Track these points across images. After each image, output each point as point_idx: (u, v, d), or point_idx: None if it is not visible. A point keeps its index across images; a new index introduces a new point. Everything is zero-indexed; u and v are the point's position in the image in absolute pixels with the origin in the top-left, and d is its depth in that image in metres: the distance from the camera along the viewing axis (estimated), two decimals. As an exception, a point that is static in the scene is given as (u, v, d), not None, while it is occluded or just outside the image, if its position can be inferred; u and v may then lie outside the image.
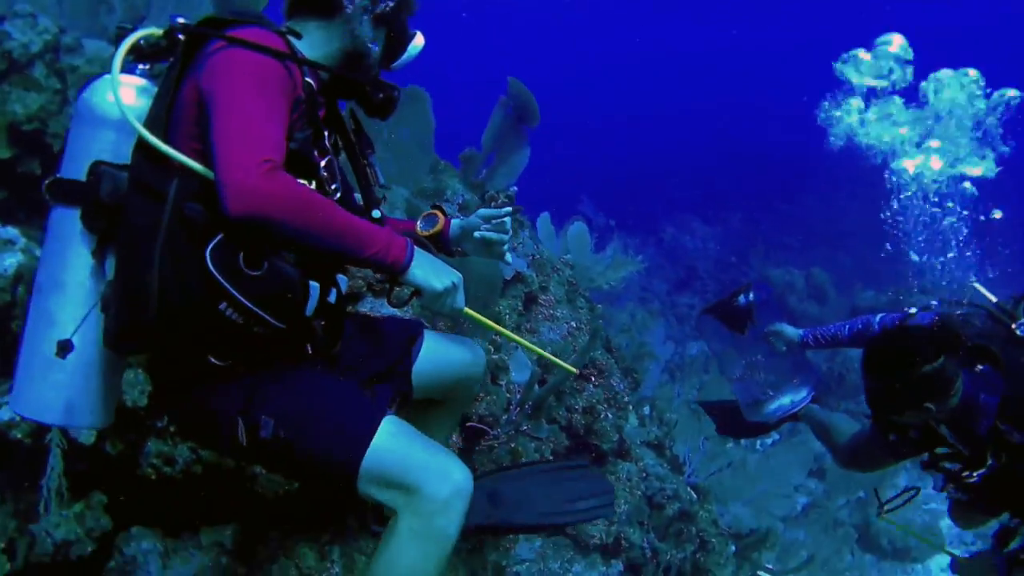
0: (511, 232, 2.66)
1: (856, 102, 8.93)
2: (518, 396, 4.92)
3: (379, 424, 2.21)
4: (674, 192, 25.26)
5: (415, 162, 5.20)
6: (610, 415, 6.14)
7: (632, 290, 17.43)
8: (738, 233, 21.38)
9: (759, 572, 5.19)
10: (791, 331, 4.18)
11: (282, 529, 4.28)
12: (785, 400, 3.96)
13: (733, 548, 6.71)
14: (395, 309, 2.72)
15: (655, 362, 7.32)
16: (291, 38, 2.24)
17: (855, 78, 8.86)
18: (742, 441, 9.00)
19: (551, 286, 6.09)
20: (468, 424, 4.71)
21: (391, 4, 2.41)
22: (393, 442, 2.21)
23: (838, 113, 9.08)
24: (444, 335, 3.00)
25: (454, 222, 2.75)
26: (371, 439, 2.17)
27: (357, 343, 2.72)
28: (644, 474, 6.55)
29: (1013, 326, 3.05)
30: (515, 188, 6.17)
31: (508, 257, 2.72)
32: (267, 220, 1.85)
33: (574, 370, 3.00)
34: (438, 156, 5.85)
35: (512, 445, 4.76)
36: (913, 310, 3.38)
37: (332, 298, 2.32)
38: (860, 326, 3.77)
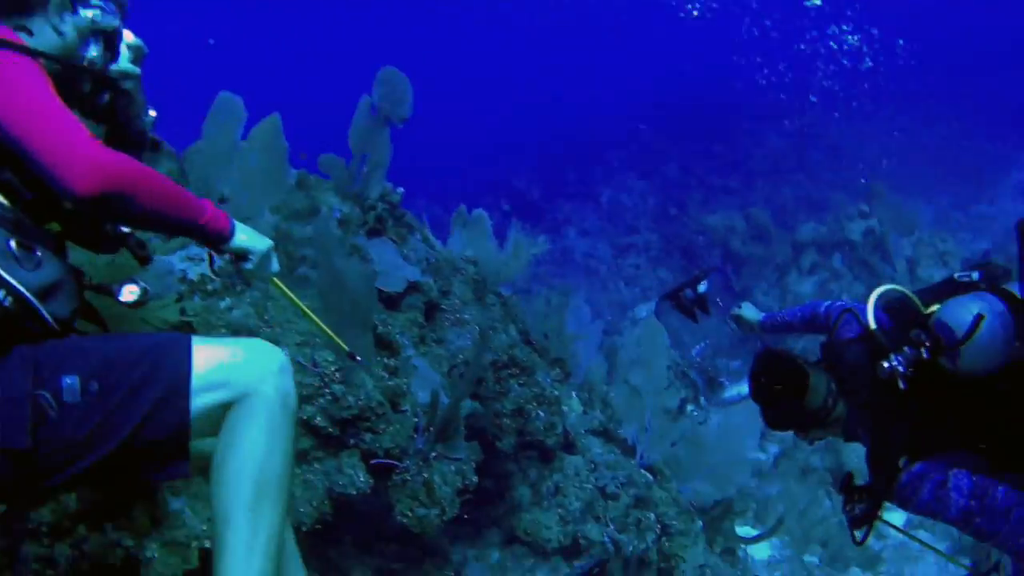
0: None
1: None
2: (425, 419, 4.49)
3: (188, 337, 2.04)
4: (605, 153, 24.91)
5: (270, 187, 4.72)
6: (542, 413, 5.74)
7: (574, 260, 17.07)
8: (676, 183, 21.02)
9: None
10: (752, 314, 3.83)
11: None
12: (744, 388, 3.63)
13: (700, 524, 6.35)
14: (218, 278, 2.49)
15: (584, 343, 6.90)
16: (22, 34, 2.06)
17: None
18: (701, 402, 8.68)
19: (454, 288, 5.65)
20: (373, 462, 4.28)
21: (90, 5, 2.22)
22: (208, 342, 2.06)
23: None
24: None
25: None
26: (190, 346, 2.01)
27: None
28: (593, 465, 6.18)
29: (884, 363, 2.61)
30: (401, 190, 5.71)
31: None
32: (119, 192, 1.81)
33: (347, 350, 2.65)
34: (307, 171, 5.37)
35: (425, 475, 4.33)
36: (846, 299, 3.06)
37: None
38: (808, 313, 3.50)
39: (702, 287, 3.90)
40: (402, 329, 5.02)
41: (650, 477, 6.27)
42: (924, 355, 2.52)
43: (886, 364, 2.54)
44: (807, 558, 7.69)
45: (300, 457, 4.21)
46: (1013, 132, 21.31)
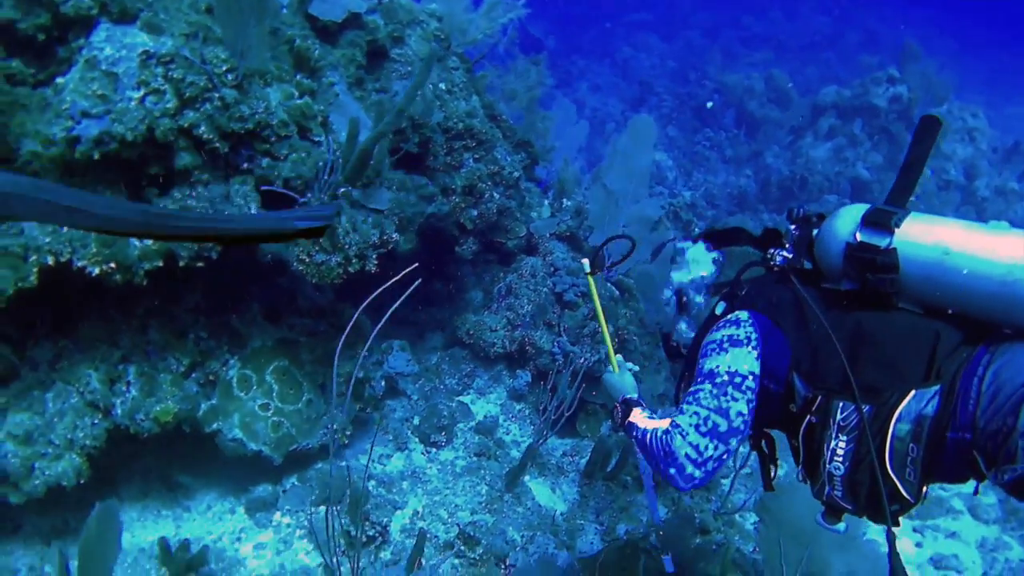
0: None
1: None
2: (340, 157, 3.71)
3: None
4: (628, 14, 23.79)
5: None
6: (496, 194, 4.98)
7: (583, 115, 16.12)
8: (700, 50, 19.91)
9: None
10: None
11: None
12: None
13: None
14: None
15: (565, 142, 6.07)
16: None
17: None
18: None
19: (411, 40, 4.81)
20: (264, 188, 3.52)
21: None
22: None
23: None
24: None
25: None
26: None
27: None
28: (552, 268, 5.46)
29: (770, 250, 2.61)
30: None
31: None
32: None
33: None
34: None
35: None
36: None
37: None
38: None
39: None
40: (335, 63, 4.20)
41: (616, 292, 5.55)
42: (795, 233, 2.53)
43: (770, 251, 2.57)
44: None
45: (181, 177, 3.45)
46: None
